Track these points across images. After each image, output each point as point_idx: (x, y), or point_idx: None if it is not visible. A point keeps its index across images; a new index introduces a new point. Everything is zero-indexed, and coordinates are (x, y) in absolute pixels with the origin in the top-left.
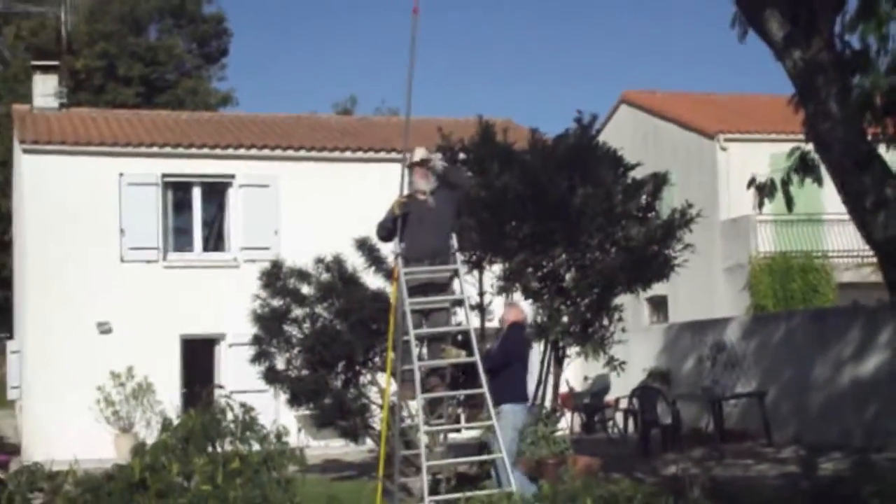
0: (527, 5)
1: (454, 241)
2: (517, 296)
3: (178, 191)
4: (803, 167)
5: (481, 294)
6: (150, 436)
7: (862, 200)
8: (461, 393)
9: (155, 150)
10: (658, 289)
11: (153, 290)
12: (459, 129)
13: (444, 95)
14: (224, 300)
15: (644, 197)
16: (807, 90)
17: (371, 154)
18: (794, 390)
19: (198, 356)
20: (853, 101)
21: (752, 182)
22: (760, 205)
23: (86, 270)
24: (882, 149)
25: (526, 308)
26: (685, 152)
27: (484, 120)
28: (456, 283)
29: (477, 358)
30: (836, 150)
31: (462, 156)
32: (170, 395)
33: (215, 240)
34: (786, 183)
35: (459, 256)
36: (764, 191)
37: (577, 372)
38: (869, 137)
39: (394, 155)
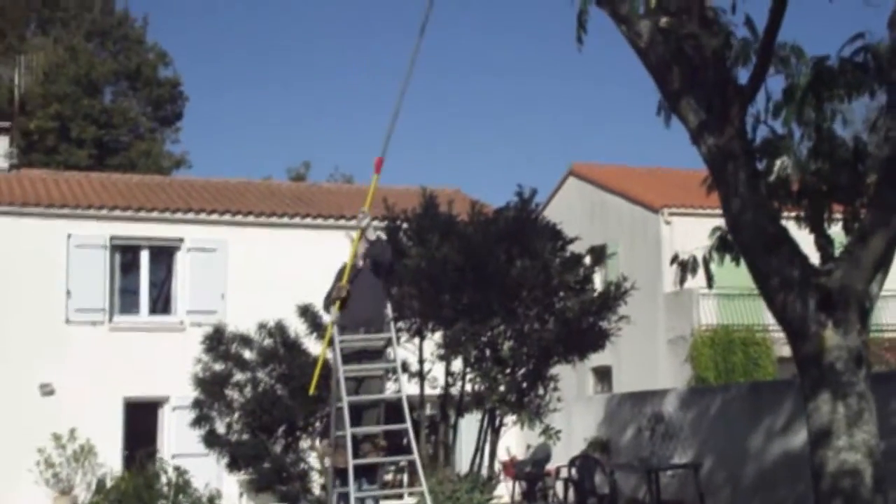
0: (484, 78)
1: (388, 310)
2: (457, 363)
3: (126, 253)
4: (723, 246)
5: (421, 362)
6: (90, 498)
7: (769, 281)
8: (392, 459)
9: (104, 212)
10: (603, 359)
11: (98, 352)
12: (406, 199)
13: (397, 163)
14: (169, 363)
15: (581, 270)
16: (719, 175)
17: (320, 221)
18: (729, 462)
19: (141, 419)
20: (770, 185)
21: (674, 259)
22: (682, 281)
23: (30, 331)
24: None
25: None
26: (631, 225)
27: (427, 191)
28: (390, 351)
29: (409, 425)
30: (745, 233)
31: (404, 225)
32: (111, 458)
33: (162, 303)
34: (707, 261)
35: (393, 325)
36: (686, 268)
37: (519, 440)
38: (793, 215)
39: (342, 222)
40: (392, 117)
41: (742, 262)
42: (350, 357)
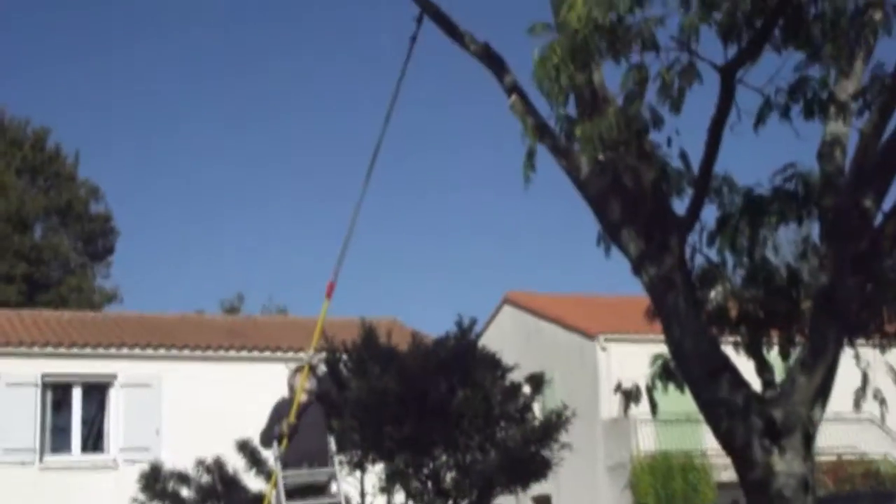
0: (418, 210)
1: (332, 444)
2: (399, 496)
3: (57, 391)
4: (666, 374)
5: (363, 495)
6: None
7: (715, 408)
8: None
9: (35, 350)
10: (543, 487)
11: (28, 493)
12: (345, 330)
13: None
14: (102, 502)
15: (522, 399)
16: (660, 304)
17: (255, 353)
18: None
19: None
20: (709, 313)
21: (618, 387)
22: (626, 409)
23: None
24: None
25: None
26: (567, 352)
27: (367, 322)
28: (335, 486)
29: None
30: (688, 361)
31: (344, 357)
32: None
33: (95, 440)
34: (650, 389)
35: (337, 459)
36: (630, 396)
37: None
38: (731, 341)
39: (278, 355)
40: (345, 240)
41: (686, 389)
42: (294, 493)
